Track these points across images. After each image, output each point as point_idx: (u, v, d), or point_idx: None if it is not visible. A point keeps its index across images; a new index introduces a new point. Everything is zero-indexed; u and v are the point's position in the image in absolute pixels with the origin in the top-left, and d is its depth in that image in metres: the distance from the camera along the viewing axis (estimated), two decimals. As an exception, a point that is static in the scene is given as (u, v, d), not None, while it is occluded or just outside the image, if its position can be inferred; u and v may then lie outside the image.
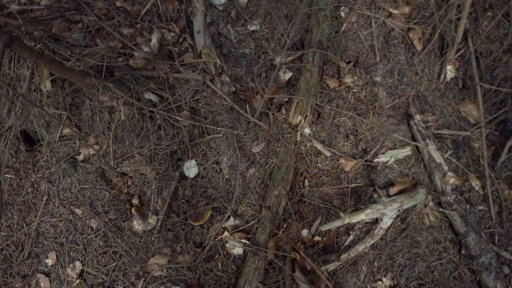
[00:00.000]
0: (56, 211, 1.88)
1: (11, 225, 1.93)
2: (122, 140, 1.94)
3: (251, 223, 1.73)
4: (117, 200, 1.88)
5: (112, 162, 1.92)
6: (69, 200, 1.87)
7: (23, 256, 1.85)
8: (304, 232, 1.70)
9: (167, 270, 1.77)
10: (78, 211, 1.86)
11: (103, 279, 1.77)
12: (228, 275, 1.72)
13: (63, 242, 1.84)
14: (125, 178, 1.90)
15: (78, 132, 1.96)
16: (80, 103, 1.98)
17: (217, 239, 1.74)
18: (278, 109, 1.92)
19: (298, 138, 1.86)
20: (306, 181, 1.81)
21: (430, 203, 1.68)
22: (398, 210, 1.62)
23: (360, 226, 1.69)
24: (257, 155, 1.83)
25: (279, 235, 1.67)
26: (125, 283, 1.75)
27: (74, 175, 1.90)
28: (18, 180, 1.95)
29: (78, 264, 1.79)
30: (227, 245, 1.73)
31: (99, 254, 1.79)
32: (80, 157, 1.93)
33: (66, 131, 1.95)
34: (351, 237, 1.68)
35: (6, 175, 1.96)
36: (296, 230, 1.69)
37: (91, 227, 1.83)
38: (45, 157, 1.94)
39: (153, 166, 1.87)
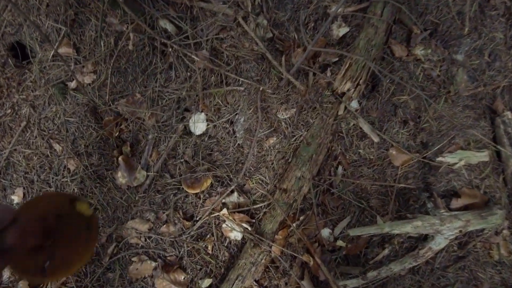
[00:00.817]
0: (32, 142, 1.57)
1: (-16, 148, 1.65)
2: (124, 74, 1.58)
3: (258, 205, 1.35)
4: (105, 144, 1.54)
5: (107, 97, 1.57)
6: (50, 131, 1.56)
7: (-12, 186, 1.57)
8: (325, 232, 1.30)
9: (146, 240, 1.43)
10: (57, 147, 1.54)
11: (69, 232, 1.46)
12: (218, 263, 1.36)
13: (33, 180, 1.54)
14: (118, 119, 1.55)
15: (75, 54, 1.62)
16: (84, 21, 1.63)
17: (212, 215, 1.37)
18: (322, 70, 1.49)
19: (341, 112, 1.42)
20: (340, 168, 1.39)
21: (505, 232, 1.23)
22: (460, 231, 1.18)
23: (401, 240, 1.27)
24: (283, 123, 1.42)
25: (291, 228, 1.28)
26: (93, 244, 1.43)
27: (61, 104, 1.57)
28: (-2, 98, 1.65)
29: (45, 208, 1.48)
30: (224, 225, 1.36)
31: (71, 203, 1.47)
32: (72, 84, 1.59)
33: (62, 50, 1.61)
34: (386, 251, 1.26)
35: (-13, 90, 1.66)
36: (315, 227, 1.29)
37: (68, 168, 1.51)
38: (33, 76, 1.62)
39: (154, 110, 1.51)
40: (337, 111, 1.42)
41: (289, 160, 1.38)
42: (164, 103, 1.54)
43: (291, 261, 1.28)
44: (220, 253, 1.38)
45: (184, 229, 1.40)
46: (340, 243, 1.28)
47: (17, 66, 1.69)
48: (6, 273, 1.52)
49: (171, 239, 1.40)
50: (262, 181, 1.38)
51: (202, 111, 1.52)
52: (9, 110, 1.63)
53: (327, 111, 1.41)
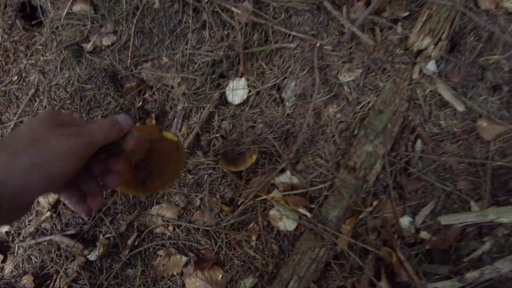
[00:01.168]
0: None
1: (-14, 122, 1.43)
2: (149, 35, 1.35)
3: (317, 187, 1.08)
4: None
5: (129, 61, 1.33)
6: (62, 100, 1.32)
7: (-10, 165, 1.34)
8: (405, 221, 1.02)
9: (175, 229, 1.18)
10: (70, 119, 1.30)
11: (82, 219, 1.22)
12: (265, 259, 1.10)
13: (41, 156, 1.30)
14: (142, 87, 1.31)
15: (94, 12, 1.38)
16: (103, -24, 1.40)
17: (258, 199, 1.11)
18: (390, 27, 1.22)
19: (415, 75, 1.15)
20: (418, 142, 1.12)
21: None
22: None
23: (506, 231, 0.99)
24: (345, 87, 1.16)
25: (362, 215, 1.01)
26: (110, 233, 1.18)
27: (75, 69, 1.34)
28: (4, 64, 1.43)
29: (54, 190, 1.24)
30: (272, 211, 1.09)
31: (85, 183, 1.23)
32: (88, 47, 1.36)
33: (77, 8, 1.38)
34: (487, 245, 0.98)
35: (-9, 55, 1.44)
36: (393, 215, 1.01)
37: (83, 143, 1.27)
38: (44, 38, 1.40)
39: (185, 75, 1.26)
40: (412, 74, 1.15)
41: (355, 132, 1.12)
42: (196, 67, 1.30)
43: (361, 257, 1.01)
44: (266, 246, 1.11)
45: (222, 216, 1.14)
46: (424, 234, 1.01)
47: (26, 29, 1.47)
48: (9, 267, 1.28)
49: (205, 228, 1.14)
50: (321, 156, 1.11)
51: (242, 76, 1.26)
52: (16, 77, 1.40)
53: (400, 74, 1.14)
